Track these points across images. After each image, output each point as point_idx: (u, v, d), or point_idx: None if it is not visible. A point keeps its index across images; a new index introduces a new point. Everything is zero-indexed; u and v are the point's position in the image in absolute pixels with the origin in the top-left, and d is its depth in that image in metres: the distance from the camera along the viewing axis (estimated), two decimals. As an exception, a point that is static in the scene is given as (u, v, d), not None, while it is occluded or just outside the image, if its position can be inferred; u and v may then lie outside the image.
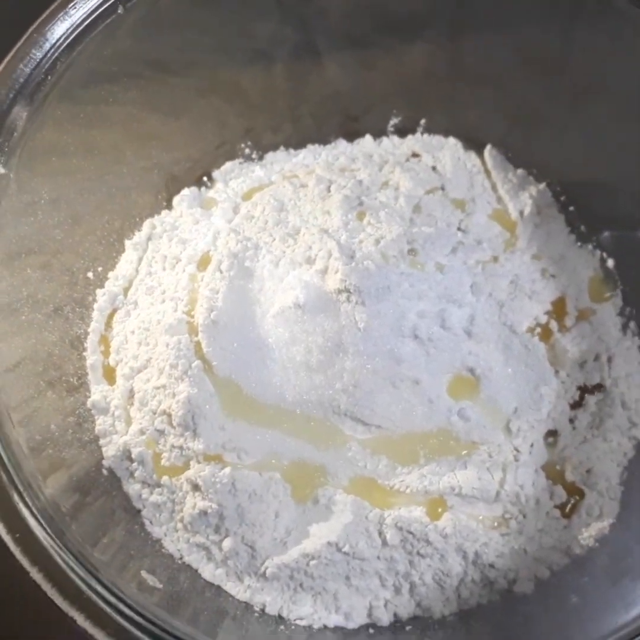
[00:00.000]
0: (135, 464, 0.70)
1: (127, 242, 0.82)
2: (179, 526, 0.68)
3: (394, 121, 0.91)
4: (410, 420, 0.71)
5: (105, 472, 0.70)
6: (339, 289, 0.72)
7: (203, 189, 0.88)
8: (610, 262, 0.82)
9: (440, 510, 0.70)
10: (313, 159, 0.90)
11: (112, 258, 0.81)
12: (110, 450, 0.70)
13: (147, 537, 0.68)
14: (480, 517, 0.70)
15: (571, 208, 0.86)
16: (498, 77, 0.83)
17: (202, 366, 0.71)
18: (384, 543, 0.67)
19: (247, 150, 0.90)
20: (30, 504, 0.55)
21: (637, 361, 0.77)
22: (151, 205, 0.84)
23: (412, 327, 0.72)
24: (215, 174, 0.89)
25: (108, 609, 0.52)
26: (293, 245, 0.78)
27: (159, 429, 0.70)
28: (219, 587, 0.67)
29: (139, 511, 0.69)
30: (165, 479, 0.69)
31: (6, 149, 0.63)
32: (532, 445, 0.73)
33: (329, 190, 0.82)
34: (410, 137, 0.91)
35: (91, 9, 0.68)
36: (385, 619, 0.67)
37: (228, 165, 0.89)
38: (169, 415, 0.70)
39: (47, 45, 0.64)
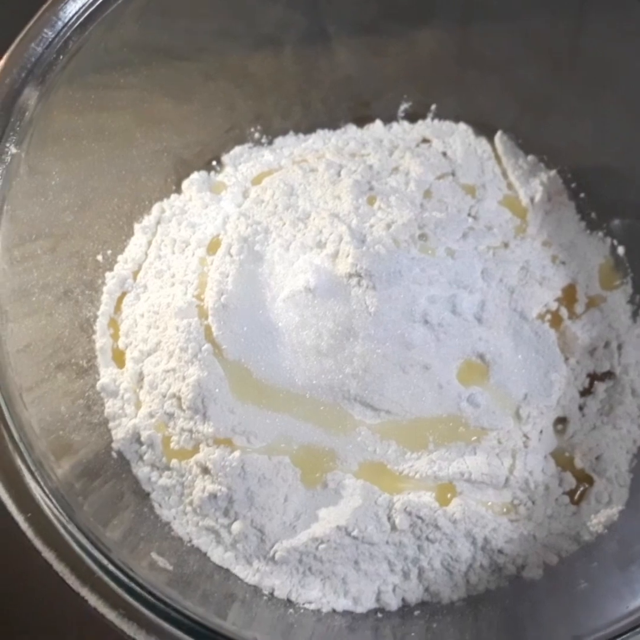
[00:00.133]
0: (144, 447, 0.70)
1: (136, 226, 0.82)
2: (188, 509, 0.68)
3: (404, 106, 0.90)
4: (420, 405, 0.71)
5: (114, 455, 0.70)
6: (350, 273, 0.72)
7: (212, 173, 0.88)
8: (620, 250, 0.82)
9: (449, 495, 0.69)
10: (323, 143, 0.89)
11: (121, 241, 0.80)
12: (119, 433, 0.70)
13: (157, 520, 0.68)
14: (490, 503, 0.70)
15: (582, 195, 0.85)
16: (509, 63, 0.83)
17: (212, 350, 0.71)
18: (393, 528, 0.67)
19: (256, 135, 0.89)
20: (42, 483, 0.55)
21: (647, 349, 0.77)
22: (160, 188, 0.84)
23: (423, 312, 0.72)
24: (225, 158, 0.88)
25: (120, 590, 0.52)
26: (303, 229, 0.77)
27: (169, 412, 0.70)
28: (227, 571, 0.67)
29: (148, 494, 0.69)
30: (174, 462, 0.69)
31: (18, 129, 0.63)
32: (541, 432, 0.73)
33: (339, 175, 0.82)
34: (420, 122, 0.90)
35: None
36: (393, 603, 0.67)
37: (237, 149, 0.89)
38: (179, 399, 0.69)
39: (60, 25, 0.64)
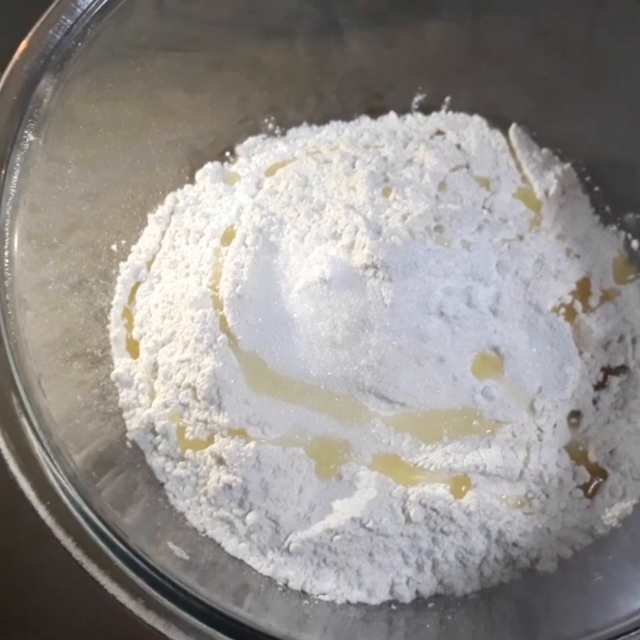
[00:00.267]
0: (159, 437, 0.69)
1: (150, 216, 0.81)
2: (203, 500, 0.68)
3: (418, 98, 0.90)
4: (435, 398, 0.71)
5: (128, 445, 0.69)
6: (366, 264, 0.71)
7: (226, 163, 0.87)
8: (634, 244, 0.82)
9: (463, 488, 0.69)
10: (336, 135, 0.89)
11: (135, 231, 0.80)
12: (133, 423, 0.70)
13: (171, 511, 0.68)
14: (504, 496, 0.70)
15: (596, 189, 0.85)
16: (522, 55, 0.83)
17: (227, 340, 0.71)
18: (408, 520, 0.67)
19: (270, 126, 0.89)
20: (60, 470, 0.55)
21: (662, 343, 0.77)
22: (174, 179, 0.84)
23: (439, 304, 0.72)
24: (238, 148, 0.88)
25: (139, 579, 0.52)
26: (318, 220, 0.77)
27: (183, 402, 0.70)
28: (242, 562, 0.67)
29: (162, 484, 0.69)
30: (189, 452, 0.69)
31: (37, 116, 0.62)
32: (555, 425, 0.73)
33: (353, 166, 0.82)
34: (434, 114, 0.90)
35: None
36: (407, 595, 0.67)
37: (251, 140, 0.88)
38: (194, 389, 0.69)
39: (78, 11, 0.63)
